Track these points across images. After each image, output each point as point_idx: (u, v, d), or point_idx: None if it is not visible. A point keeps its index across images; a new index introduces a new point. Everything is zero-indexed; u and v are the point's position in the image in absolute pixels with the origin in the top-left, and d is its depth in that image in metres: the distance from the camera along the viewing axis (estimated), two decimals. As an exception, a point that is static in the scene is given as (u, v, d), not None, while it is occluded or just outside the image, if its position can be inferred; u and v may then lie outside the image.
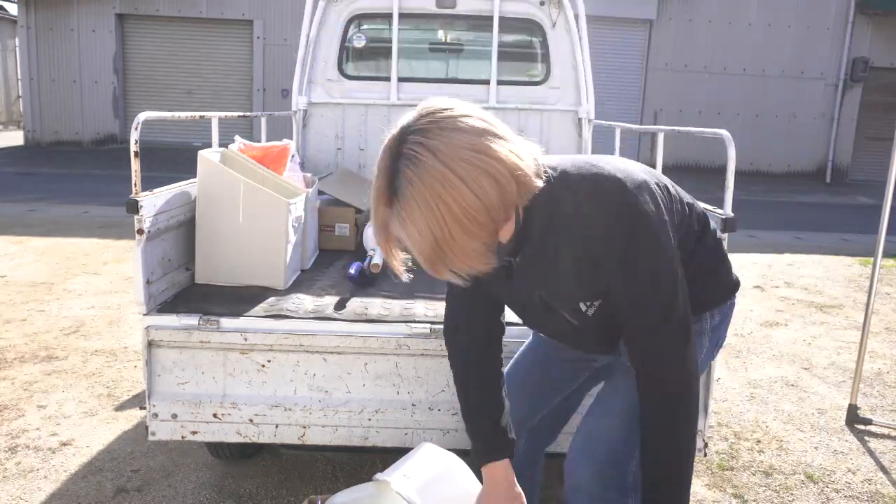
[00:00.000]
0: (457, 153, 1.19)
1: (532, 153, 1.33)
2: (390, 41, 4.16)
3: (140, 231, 2.15)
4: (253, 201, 2.47)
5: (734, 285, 1.75)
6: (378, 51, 4.38)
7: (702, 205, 1.76)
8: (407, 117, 1.27)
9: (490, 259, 1.28)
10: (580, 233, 1.39)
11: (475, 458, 1.64)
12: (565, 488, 1.72)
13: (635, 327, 1.45)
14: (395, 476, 1.62)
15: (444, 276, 1.33)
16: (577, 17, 4.16)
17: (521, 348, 1.95)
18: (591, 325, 1.58)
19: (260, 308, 2.28)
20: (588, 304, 1.53)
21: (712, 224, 1.71)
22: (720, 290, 1.71)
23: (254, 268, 2.50)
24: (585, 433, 1.70)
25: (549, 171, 1.39)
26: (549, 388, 1.88)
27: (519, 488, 1.62)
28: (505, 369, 1.78)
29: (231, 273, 2.50)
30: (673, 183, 1.59)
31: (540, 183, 1.31)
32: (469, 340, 1.69)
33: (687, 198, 1.63)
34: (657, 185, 1.47)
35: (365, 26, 4.36)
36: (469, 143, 1.21)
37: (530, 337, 1.95)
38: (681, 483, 1.47)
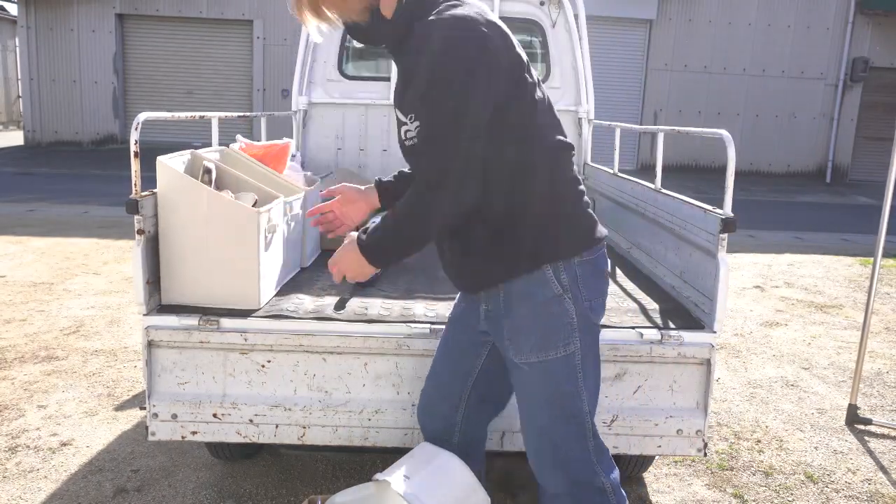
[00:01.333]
0: None
1: None
2: (390, 41, 4.15)
3: (140, 231, 2.15)
4: (220, 213, 2.21)
5: (587, 235, 1.69)
6: (378, 51, 4.38)
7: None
8: None
9: (364, 15, 1.60)
10: (413, 48, 1.57)
11: (373, 257, 1.70)
12: (545, 497, 1.78)
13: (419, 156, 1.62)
14: (395, 476, 1.62)
15: (317, 19, 1.64)
16: (577, 17, 4.16)
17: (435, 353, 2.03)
18: (411, 163, 1.74)
19: (260, 308, 2.28)
20: (409, 118, 1.63)
21: (567, 151, 1.71)
22: (559, 236, 1.66)
23: (224, 287, 2.25)
24: (527, 444, 1.77)
25: None
26: (458, 376, 1.93)
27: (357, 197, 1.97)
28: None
29: (200, 293, 2.25)
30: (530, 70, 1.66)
31: None
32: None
33: (536, 85, 1.67)
34: (500, 37, 1.57)
35: (365, 26, 4.35)
36: None
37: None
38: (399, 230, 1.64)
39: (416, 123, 1.61)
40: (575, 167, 1.75)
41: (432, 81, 1.52)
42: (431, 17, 1.56)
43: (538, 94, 1.66)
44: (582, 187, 1.74)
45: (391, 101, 4.22)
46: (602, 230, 1.74)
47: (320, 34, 1.68)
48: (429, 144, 1.57)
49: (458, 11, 1.54)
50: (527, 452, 1.78)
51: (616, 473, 1.78)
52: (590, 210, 1.74)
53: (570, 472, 1.72)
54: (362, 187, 2.03)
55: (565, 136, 1.72)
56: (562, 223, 1.67)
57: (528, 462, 1.78)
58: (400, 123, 1.69)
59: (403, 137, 1.68)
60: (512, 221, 1.64)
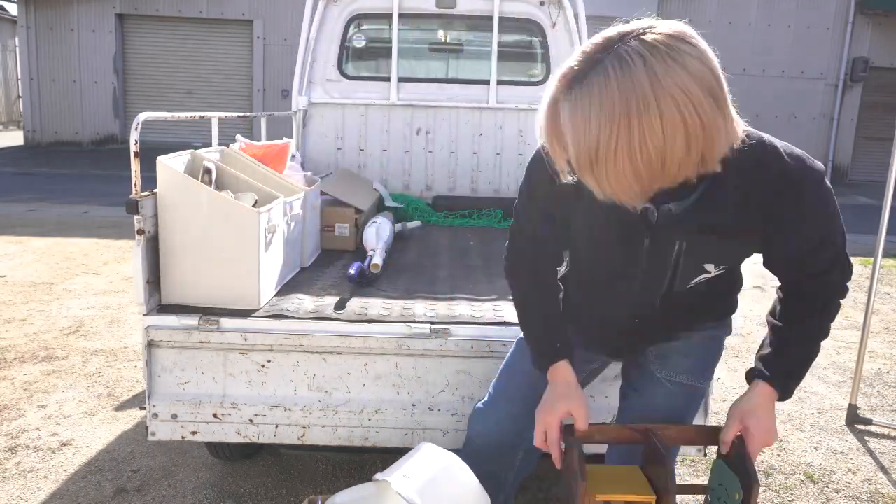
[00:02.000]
0: (672, 87, 1.09)
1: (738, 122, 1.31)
2: (390, 41, 4.16)
3: (140, 231, 2.15)
4: (220, 213, 2.21)
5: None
6: (378, 51, 4.38)
7: None
8: (641, 24, 1.19)
9: (635, 199, 1.20)
10: (767, 181, 1.39)
11: (538, 363, 1.64)
12: None
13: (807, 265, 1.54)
14: (395, 476, 1.62)
15: (586, 181, 1.21)
16: (576, 17, 4.16)
17: (508, 361, 1.86)
18: (680, 296, 1.58)
19: (260, 308, 2.28)
20: (720, 267, 1.57)
21: None
22: (736, 297, 1.84)
23: (224, 287, 2.24)
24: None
25: (752, 139, 1.40)
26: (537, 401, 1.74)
27: (580, 389, 1.61)
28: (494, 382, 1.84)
29: (200, 293, 2.25)
30: None
31: (736, 145, 1.26)
32: (533, 264, 1.69)
33: None
34: None
35: (365, 26, 4.36)
36: (687, 86, 1.10)
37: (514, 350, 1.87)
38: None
39: (721, 269, 1.59)
40: None
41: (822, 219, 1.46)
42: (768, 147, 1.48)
43: None
44: None
45: (391, 101, 4.24)
46: None
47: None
48: (826, 248, 1.50)
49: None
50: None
51: None
52: None
53: None
54: (565, 391, 1.60)
55: None
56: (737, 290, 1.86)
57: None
58: (691, 271, 1.54)
59: (697, 272, 1.55)
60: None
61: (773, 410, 1.57)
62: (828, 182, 1.46)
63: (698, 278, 1.55)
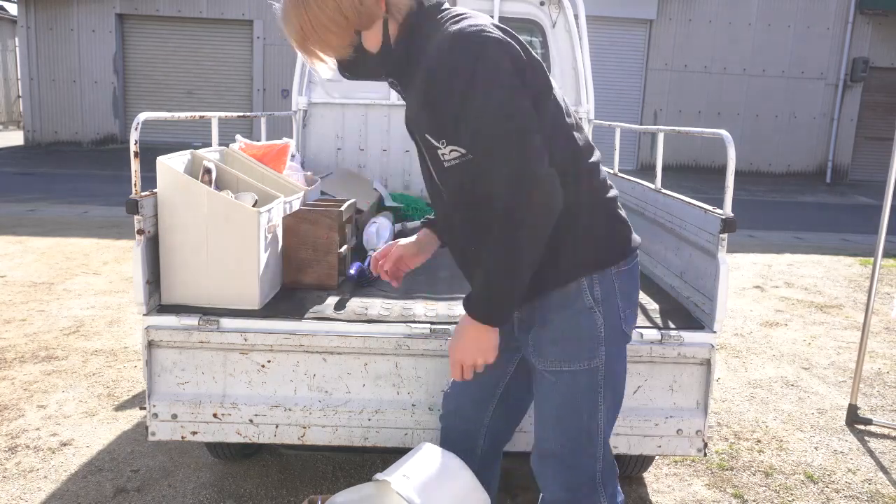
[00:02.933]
0: None
1: None
2: (390, 41, 4.15)
3: (140, 231, 2.15)
4: (220, 213, 2.21)
5: (621, 245, 1.64)
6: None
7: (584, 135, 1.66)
8: None
9: (345, 51, 1.58)
10: (426, 65, 1.52)
11: (501, 311, 1.58)
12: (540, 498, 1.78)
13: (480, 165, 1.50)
14: (395, 476, 1.62)
15: (312, 60, 1.63)
16: (577, 17, 4.16)
17: None
18: (449, 184, 1.62)
19: (260, 308, 2.28)
20: (442, 143, 1.56)
21: (594, 156, 1.64)
22: (596, 246, 1.61)
23: (225, 287, 2.25)
24: (536, 450, 1.76)
25: (446, 14, 1.57)
26: (489, 380, 1.88)
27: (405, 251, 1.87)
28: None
29: (200, 293, 2.25)
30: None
31: (410, 6, 1.57)
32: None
33: (565, 103, 1.62)
34: (518, 50, 1.51)
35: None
36: None
37: None
38: (504, 275, 1.49)
39: (452, 147, 1.53)
40: (604, 171, 1.68)
41: (465, 93, 1.43)
42: (440, 34, 1.51)
43: (559, 96, 1.61)
44: (614, 193, 1.68)
45: (391, 101, 4.24)
46: (636, 238, 1.70)
47: (327, 70, 1.65)
48: (491, 155, 1.44)
49: (466, 23, 1.50)
50: (532, 457, 1.77)
51: (620, 500, 1.77)
52: (623, 216, 1.69)
53: (571, 484, 1.70)
54: (412, 239, 1.93)
55: (591, 142, 1.68)
56: (599, 233, 1.62)
57: (532, 466, 1.77)
58: (427, 149, 1.61)
59: (437, 160, 1.59)
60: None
61: (466, 329, 1.56)
62: (479, 45, 1.46)
63: (443, 157, 1.57)
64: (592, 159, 1.64)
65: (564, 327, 1.62)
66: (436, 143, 1.57)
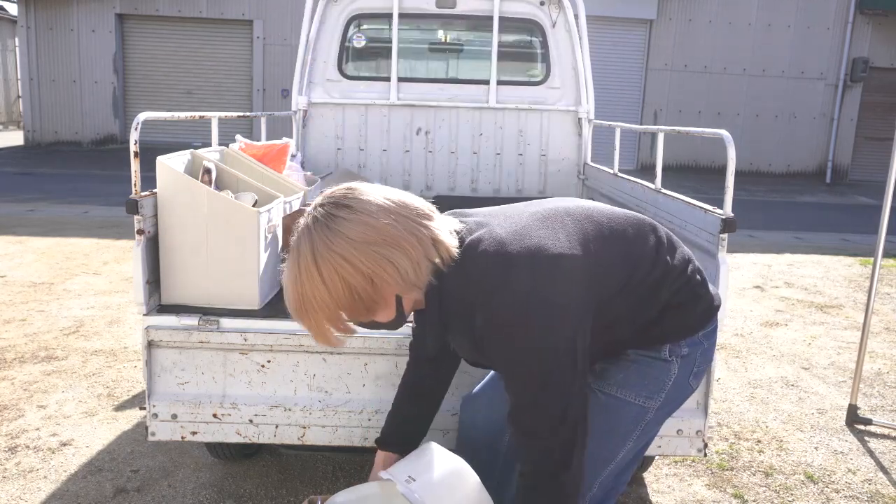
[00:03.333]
0: (327, 254, 1.34)
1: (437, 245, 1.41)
2: (390, 41, 4.16)
3: (140, 231, 2.15)
4: (220, 212, 2.20)
5: (706, 313, 1.65)
6: (378, 51, 4.38)
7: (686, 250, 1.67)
8: (324, 195, 1.43)
9: (348, 329, 1.47)
10: (468, 322, 1.45)
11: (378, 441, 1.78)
12: None
13: (515, 421, 1.45)
14: (399, 475, 1.62)
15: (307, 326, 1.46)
16: (577, 17, 4.16)
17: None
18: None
19: (260, 308, 2.28)
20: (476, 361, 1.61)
21: (686, 270, 1.61)
22: (685, 324, 1.62)
23: (224, 287, 2.24)
24: None
25: (459, 250, 1.44)
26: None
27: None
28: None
29: (200, 293, 2.25)
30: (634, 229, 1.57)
31: (428, 278, 1.41)
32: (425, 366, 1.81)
33: (654, 253, 1.56)
34: (581, 259, 1.43)
35: (365, 26, 4.36)
36: (341, 250, 1.34)
37: None
38: None
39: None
40: (692, 266, 1.64)
41: (520, 350, 1.40)
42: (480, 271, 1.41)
43: (656, 259, 1.57)
44: (695, 268, 1.64)
45: (391, 101, 4.24)
46: (718, 298, 1.68)
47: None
48: (517, 393, 1.43)
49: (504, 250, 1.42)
50: None
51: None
52: (702, 282, 1.65)
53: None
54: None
55: (684, 256, 1.63)
56: (687, 320, 1.61)
57: None
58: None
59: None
60: (642, 335, 1.59)
61: None
62: (535, 301, 1.36)
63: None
64: (682, 275, 1.61)
65: (636, 360, 1.60)
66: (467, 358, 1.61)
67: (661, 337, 1.59)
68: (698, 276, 1.65)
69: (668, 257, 1.59)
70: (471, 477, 1.67)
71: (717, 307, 1.67)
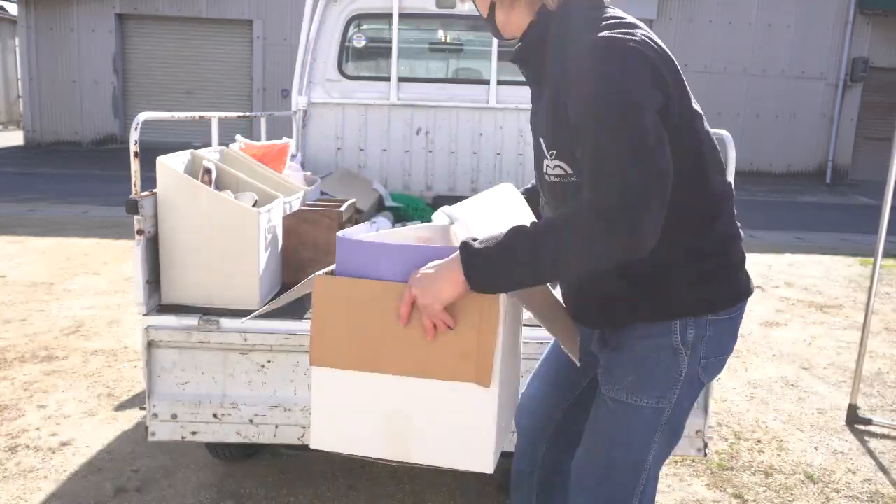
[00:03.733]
0: None
1: None
2: (390, 41, 4.16)
3: (140, 231, 2.15)
4: (220, 213, 2.21)
5: (738, 290, 1.51)
6: (378, 51, 4.38)
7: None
8: None
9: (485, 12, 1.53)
10: (563, 68, 1.37)
11: (498, 283, 1.34)
12: None
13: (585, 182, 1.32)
14: (461, 218, 1.53)
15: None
16: (577, 17, 4.15)
17: (544, 353, 1.92)
18: (551, 195, 1.49)
19: (260, 308, 2.27)
20: (550, 154, 1.43)
21: (729, 199, 1.50)
22: (702, 292, 1.46)
23: (224, 287, 2.25)
24: (574, 473, 1.65)
25: (602, 13, 1.42)
26: (561, 387, 1.82)
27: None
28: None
29: (200, 293, 2.26)
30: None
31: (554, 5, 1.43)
32: None
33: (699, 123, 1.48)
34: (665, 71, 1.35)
35: (365, 26, 4.36)
36: None
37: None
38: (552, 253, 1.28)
39: (558, 163, 1.41)
40: (735, 216, 1.54)
41: (597, 114, 1.27)
42: (589, 35, 1.34)
43: (704, 126, 1.48)
44: (739, 242, 1.54)
45: (391, 101, 4.24)
46: (751, 287, 1.56)
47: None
48: (601, 174, 1.26)
49: (619, 31, 1.34)
50: (572, 475, 1.67)
51: None
52: (741, 261, 1.54)
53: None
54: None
55: (727, 180, 1.53)
56: (710, 280, 1.47)
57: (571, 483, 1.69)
58: (536, 152, 1.50)
59: (541, 167, 1.48)
60: (653, 269, 1.42)
61: (444, 271, 1.31)
62: (622, 52, 1.29)
63: (546, 168, 1.44)
64: (727, 203, 1.51)
65: (643, 357, 1.50)
66: (545, 152, 1.45)
67: (673, 302, 1.46)
68: (740, 246, 1.54)
69: (730, 196, 1.53)
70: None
71: (746, 294, 1.53)
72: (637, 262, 1.31)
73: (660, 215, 1.25)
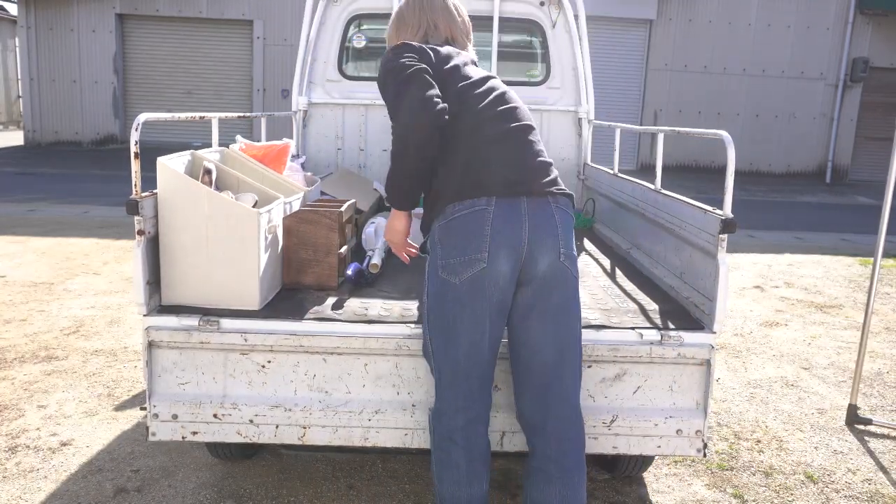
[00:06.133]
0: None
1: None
2: (390, 41, 4.15)
3: (140, 232, 2.15)
4: (220, 213, 2.22)
5: (456, 190, 1.97)
6: (378, 51, 4.38)
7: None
8: None
9: None
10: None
11: (396, 202, 2.09)
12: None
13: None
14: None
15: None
16: (577, 17, 4.16)
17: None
18: None
19: (260, 309, 2.28)
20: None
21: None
22: (439, 190, 2.00)
23: (225, 288, 2.26)
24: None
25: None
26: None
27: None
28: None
29: (200, 293, 2.27)
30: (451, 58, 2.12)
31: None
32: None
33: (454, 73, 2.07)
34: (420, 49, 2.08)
35: (365, 26, 4.36)
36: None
37: None
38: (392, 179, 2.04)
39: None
40: (493, 126, 2.03)
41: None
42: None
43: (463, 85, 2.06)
44: (491, 142, 2.01)
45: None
46: (483, 188, 1.94)
47: None
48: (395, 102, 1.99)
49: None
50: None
51: (452, 422, 2.00)
52: (485, 164, 1.98)
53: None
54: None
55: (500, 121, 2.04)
56: (441, 178, 2.00)
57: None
58: None
59: None
60: (434, 172, 2.03)
61: (392, 217, 2.15)
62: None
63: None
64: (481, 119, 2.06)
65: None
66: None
67: (434, 196, 2.02)
68: (493, 150, 2.01)
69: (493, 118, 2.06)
70: None
71: (471, 194, 1.93)
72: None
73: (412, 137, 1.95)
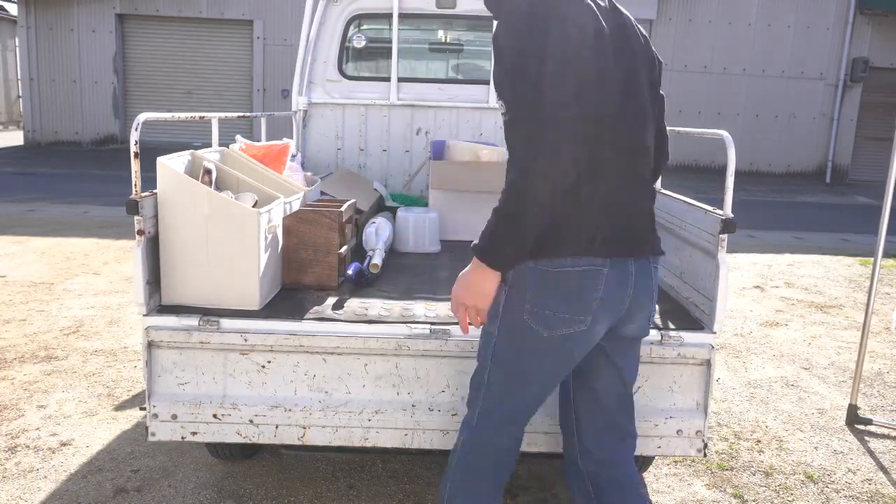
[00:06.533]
0: None
1: None
2: (390, 41, 4.16)
3: (140, 232, 2.15)
4: (220, 213, 2.21)
5: (578, 242, 1.62)
6: (378, 51, 4.38)
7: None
8: None
9: None
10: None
11: (498, 251, 1.60)
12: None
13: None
14: None
15: None
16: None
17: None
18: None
19: (260, 309, 2.28)
20: (499, 103, 1.64)
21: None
22: (550, 234, 1.60)
23: (225, 287, 2.25)
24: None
25: None
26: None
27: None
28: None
29: (200, 293, 2.25)
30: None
31: None
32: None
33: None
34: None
35: (365, 26, 4.36)
36: None
37: None
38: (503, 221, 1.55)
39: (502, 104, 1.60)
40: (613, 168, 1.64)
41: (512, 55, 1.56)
42: None
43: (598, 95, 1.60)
44: (620, 175, 1.65)
45: (391, 101, 4.24)
46: (605, 245, 1.64)
47: None
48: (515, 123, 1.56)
49: None
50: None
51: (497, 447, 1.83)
52: (609, 214, 1.64)
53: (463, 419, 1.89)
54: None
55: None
56: (559, 209, 1.59)
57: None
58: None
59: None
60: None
61: (470, 272, 1.65)
62: (533, 11, 1.55)
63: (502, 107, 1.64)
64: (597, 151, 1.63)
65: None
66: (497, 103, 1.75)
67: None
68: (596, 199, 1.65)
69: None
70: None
71: (570, 249, 1.62)
72: None
73: (555, 157, 1.51)
